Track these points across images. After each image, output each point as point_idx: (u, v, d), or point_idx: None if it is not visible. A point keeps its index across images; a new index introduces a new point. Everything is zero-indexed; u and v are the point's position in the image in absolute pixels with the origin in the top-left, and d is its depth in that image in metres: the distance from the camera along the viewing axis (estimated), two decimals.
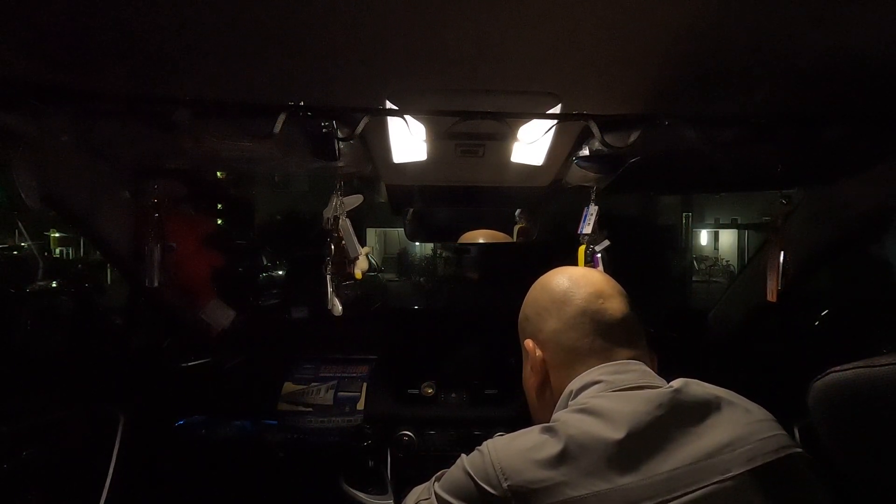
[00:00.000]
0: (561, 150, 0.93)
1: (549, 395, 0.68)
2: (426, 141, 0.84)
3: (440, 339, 1.43)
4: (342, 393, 1.29)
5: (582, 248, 1.09)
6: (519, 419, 1.23)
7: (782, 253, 1.00)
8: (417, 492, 0.67)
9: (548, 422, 0.59)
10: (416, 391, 1.30)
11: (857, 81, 0.66)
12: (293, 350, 1.41)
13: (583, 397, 0.61)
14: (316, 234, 1.03)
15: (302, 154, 0.87)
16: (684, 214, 9.33)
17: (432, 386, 1.30)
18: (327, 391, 1.30)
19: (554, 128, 0.79)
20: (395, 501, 1.17)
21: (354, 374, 1.34)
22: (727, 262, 12.79)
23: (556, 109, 0.75)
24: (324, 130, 0.78)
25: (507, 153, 0.94)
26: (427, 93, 0.72)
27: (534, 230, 1.38)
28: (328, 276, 0.99)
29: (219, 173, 1.55)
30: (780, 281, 1.01)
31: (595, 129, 0.75)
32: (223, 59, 0.62)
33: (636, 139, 0.76)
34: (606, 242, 1.07)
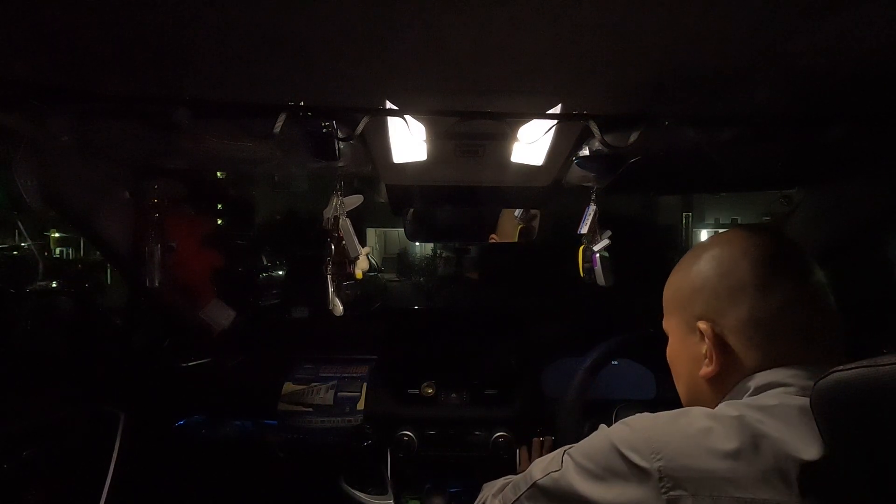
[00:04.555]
0: (561, 150, 0.93)
1: (718, 385, 0.60)
2: (426, 141, 0.84)
3: (440, 339, 1.43)
4: (342, 393, 1.29)
5: (582, 248, 1.09)
6: (519, 419, 1.23)
7: None
8: (544, 465, 0.61)
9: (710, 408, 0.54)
10: (416, 391, 1.30)
11: (857, 81, 0.66)
12: (293, 350, 1.41)
13: (765, 397, 0.54)
14: (316, 234, 1.03)
15: (302, 154, 0.87)
16: (684, 214, 9.27)
17: (432, 386, 1.30)
18: (327, 391, 1.30)
19: (554, 128, 0.79)
20: (395, 501, 1.18)
21: (354, 374, 1.34)
22: None
23: (556, 109, 0.75)
24: (324, 130, 0.77)
25: (507, 153, 0.94)
26: (427, 93, 0.71)
27: (533, 230, 1.38)
28: (328, 276, 0.99)
29: (219, 173, 1.55)
30: None
31: (595, 129, 0.75)
32: (223, 59, 0.62)
33: (636, 139, 0.76)
34: (606, 242, 1.07)
